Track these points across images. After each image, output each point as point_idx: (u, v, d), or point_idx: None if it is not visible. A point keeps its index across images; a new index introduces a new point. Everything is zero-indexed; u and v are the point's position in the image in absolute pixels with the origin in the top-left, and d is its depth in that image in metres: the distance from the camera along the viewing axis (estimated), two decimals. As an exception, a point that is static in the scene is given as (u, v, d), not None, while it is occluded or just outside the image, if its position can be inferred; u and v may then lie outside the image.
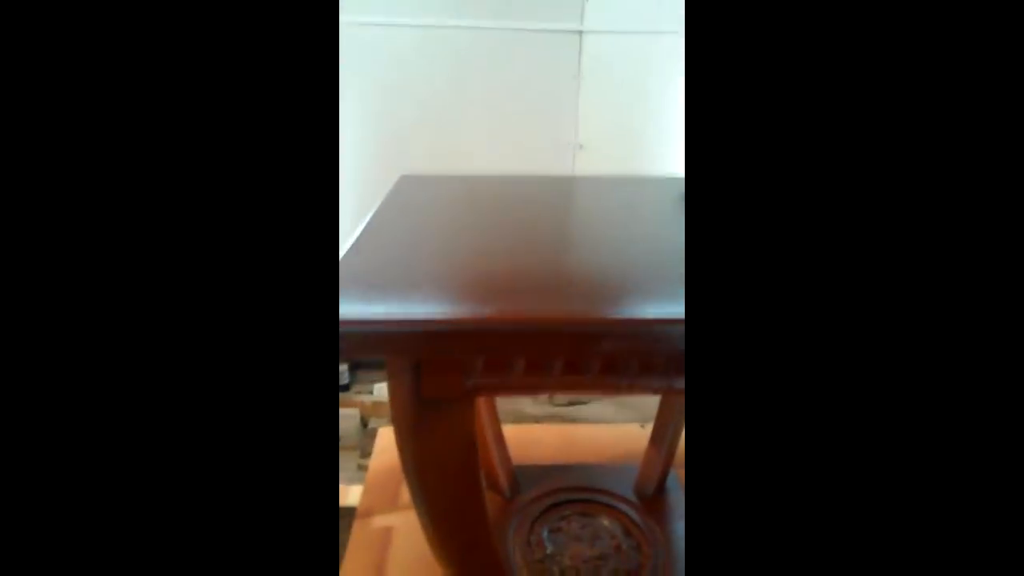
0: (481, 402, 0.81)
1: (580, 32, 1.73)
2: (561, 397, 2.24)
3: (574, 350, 0.42)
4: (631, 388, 0.46)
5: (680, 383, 0.45)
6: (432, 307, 0.41)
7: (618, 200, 0.71)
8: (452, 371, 0.44)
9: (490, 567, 0.59)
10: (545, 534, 0.78)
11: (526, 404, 2.19)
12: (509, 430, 1.04)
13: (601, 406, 2.17)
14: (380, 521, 0.84)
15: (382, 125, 1.71)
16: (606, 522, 0.80)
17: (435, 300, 0.43)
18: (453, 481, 0.52)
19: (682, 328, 0.40)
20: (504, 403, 2.10)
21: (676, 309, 0.41)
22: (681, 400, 0.82)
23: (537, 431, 1.09)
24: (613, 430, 1.10)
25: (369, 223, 0.58)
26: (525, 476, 0.87)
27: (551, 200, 0.70)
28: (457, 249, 0.54)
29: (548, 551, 0.76)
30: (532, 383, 0.45)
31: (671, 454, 0.85)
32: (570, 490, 0.85)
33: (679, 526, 0.80)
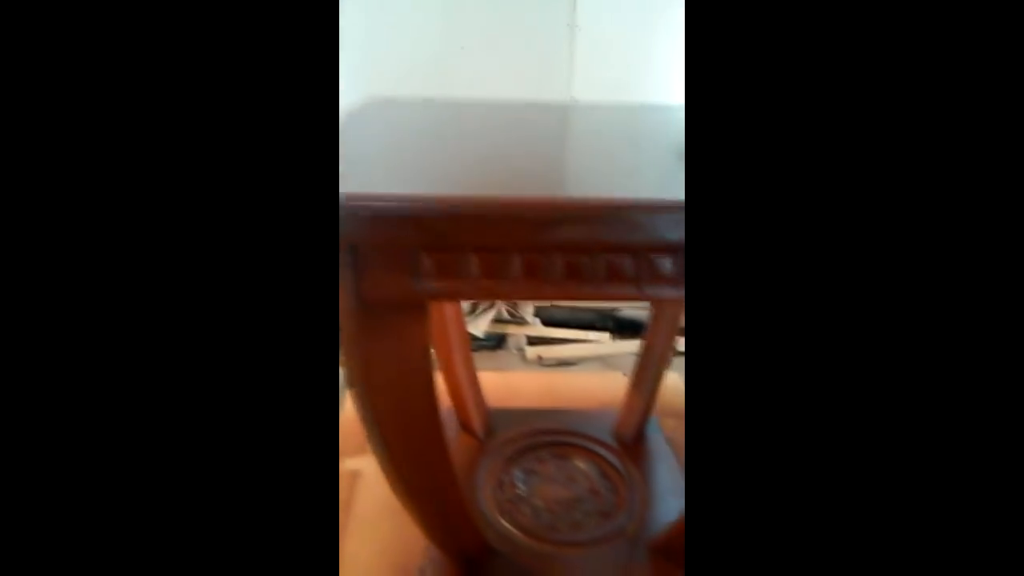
0: (454, 341, 0.77)
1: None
2: (550, 358, 2.21)
3: (531, 240, 0.37)
4: (597, 294, 0.42)
5: (652, 290, 0.41)
6: (372, 190, 0.37)
7: (615, 122, 0.65)
8: (396, 269, 0.39)
9: (452, 502, 0.56)
10: (518, 475, 0.75)
11: (515, 362, 2.15)
12: (488, 376, 1.00)
13: (591, 365, 2.13)
14: (347, 464, 0.81)
15: (366, 76, 1.64)
16: (582, 464, 0.77)
17: (378, 185, 0.38)
18: (404, 403, 0.48)
19: (654, 217, 0.36)
20: (489, 362, 2.06)
21: (648, 194, 0.36)
22: (662, 344, 0.78)
23: (517, 378, 1.05)
24: (595, 377, 1.06)
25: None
26: (501, 419, 0.84)
27: (539, 120, 0.65)
28: (421, 155, 0.49)
29: (520, 492, 0.72)
30: (489, 287, 0.41)
31: (651, 399, 0.81)
32: (546, 433, 0.82)
33: (658, 470, 0.77)
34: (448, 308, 0.73)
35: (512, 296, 0.43)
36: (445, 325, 0.75)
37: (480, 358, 2.18)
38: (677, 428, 0.92)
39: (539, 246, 0.39)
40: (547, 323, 2.35)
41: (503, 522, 0.68)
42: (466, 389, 0.79)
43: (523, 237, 0.37)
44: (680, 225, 0.36)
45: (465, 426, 0.82)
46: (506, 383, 1.02)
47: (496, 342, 2.27)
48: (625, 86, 1.75)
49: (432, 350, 0.54)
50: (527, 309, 2.32)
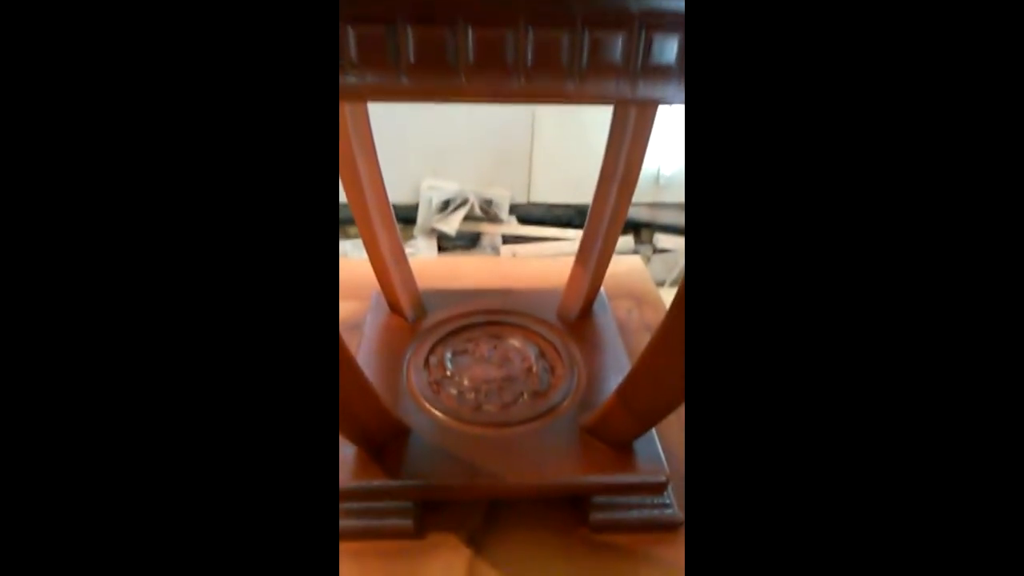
0: (374, 211, 0.68)
1: None
2: (526, 256, 2.13)
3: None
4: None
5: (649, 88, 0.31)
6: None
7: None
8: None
9: (345, 382, 0.49)
10: (448, 356, 0.68)
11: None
12: (434, 260, 0.92)
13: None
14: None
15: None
16: (518, 344, 0.70)
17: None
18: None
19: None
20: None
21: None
22: (613, 204, 0.69)
23: (462, 261, 0.97)
24: (550, 261, 0.98)
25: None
26: (436, 300, 0.76)
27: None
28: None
29: (448, 373, 0.66)
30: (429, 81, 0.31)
31: (600, 272, 0.73)
32: (483, 312, 0.74)
33: (601, 349, 0.70)
34: (364, 171, 0.63)
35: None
36: (362, 192, 0.65)
37: (452, 257, 2.10)
38: (632, 310, 0.85)
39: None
40: (523, 221, 2.26)
41: (424, 403, 0.62)
42: (391, 265, 0.70)
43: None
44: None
45: (394, 307, 0.74)
46: (452, 266, 0.94)
47: (469, 241, 2.19)
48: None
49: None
50: (502, 207, 2.22)
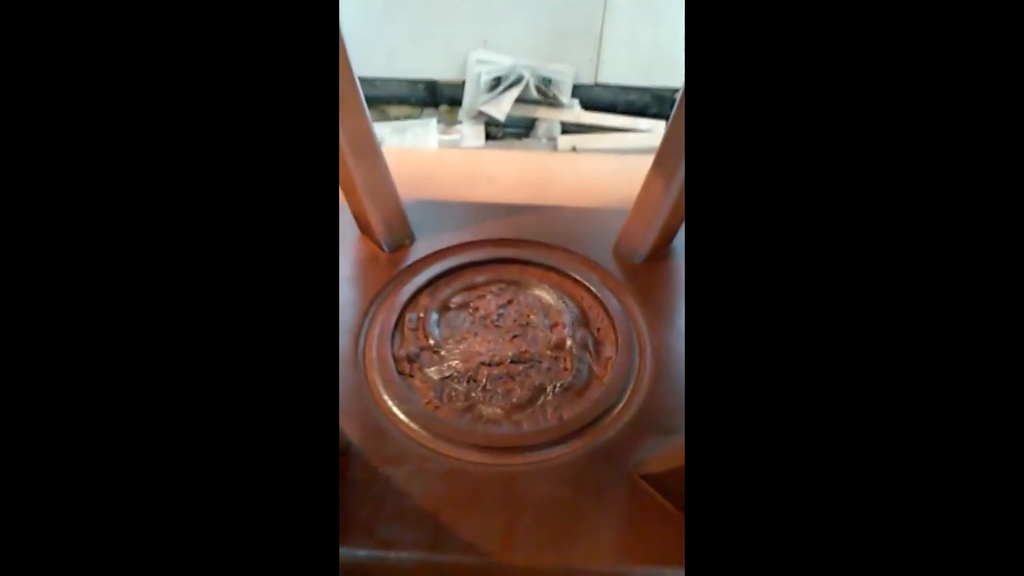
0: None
1: None
2: (588, 149, 1.81)
3: None
4: None
5: None
6: None
7: None
8: None
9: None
10: (433, 314, 0.44)
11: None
12: (436, 154, 0.66)
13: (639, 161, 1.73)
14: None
15: None
16: (550, 298, 0.45)
17: None
18: None
19: None
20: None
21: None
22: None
23: (487, 156, 0.70)
24: (617, 162, 0.69)
25: None
26: (428, 220, 0.51)
27: None
28: None
29: (431, 343, 0.42)
30: None
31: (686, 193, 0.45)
32: (496, 243, 0.48)
33: (683, 314, 0.44)
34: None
35: None
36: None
37: (501, 148, 1.81)
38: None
39: None
40: (587, 106, 1.91)
41: (383, 397, 0.38)
42: (352, 164, 0.45)
43: None
44: None
45: (363, 228, 0.49)
46: (471, 164, 0.66)
47: (523, 128, 1.88)
48: None
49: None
50: (564, 87, 1.87)
